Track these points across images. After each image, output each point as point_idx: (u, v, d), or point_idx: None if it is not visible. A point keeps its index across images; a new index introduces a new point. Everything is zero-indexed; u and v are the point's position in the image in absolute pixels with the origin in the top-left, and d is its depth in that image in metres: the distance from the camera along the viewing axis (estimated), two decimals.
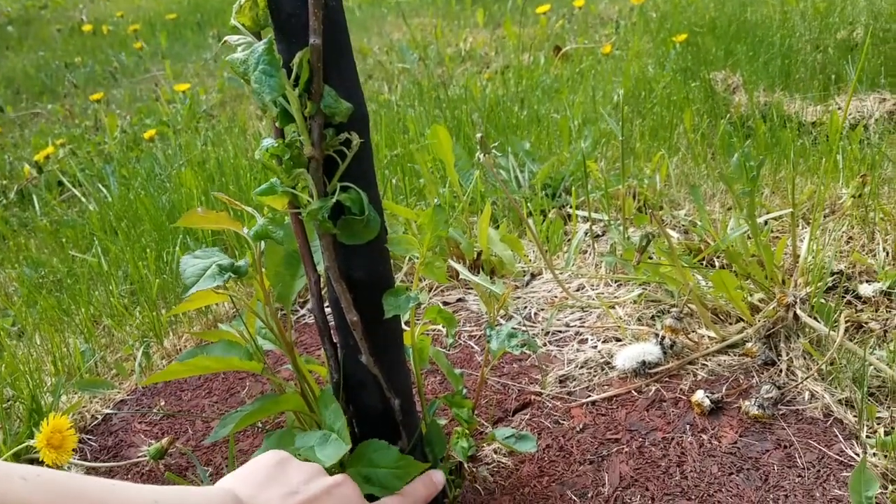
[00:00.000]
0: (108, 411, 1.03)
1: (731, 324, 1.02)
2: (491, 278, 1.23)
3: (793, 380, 0.89)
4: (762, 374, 0.92)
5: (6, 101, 3.27)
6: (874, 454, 0.76)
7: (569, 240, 1.31)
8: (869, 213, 1.17)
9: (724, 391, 0.89)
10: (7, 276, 1.54)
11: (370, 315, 0.64)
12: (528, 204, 1.40)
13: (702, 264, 1.14)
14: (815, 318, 0.94)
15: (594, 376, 0.96)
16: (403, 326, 0.71)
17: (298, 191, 0.60)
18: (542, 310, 1.13)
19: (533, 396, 0.94)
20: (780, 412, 0.85)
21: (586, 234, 1.28)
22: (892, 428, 0.79)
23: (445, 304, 1.20)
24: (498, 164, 1.52)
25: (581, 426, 0.87)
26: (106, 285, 1.35)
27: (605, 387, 0.94)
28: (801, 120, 1.68)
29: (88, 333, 1.20)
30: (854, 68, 1.85)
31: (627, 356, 0.96)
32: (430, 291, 1.23)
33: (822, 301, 0.98)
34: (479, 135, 0.93)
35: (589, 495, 0.76)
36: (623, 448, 0.83)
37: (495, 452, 0.84)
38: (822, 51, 2.09)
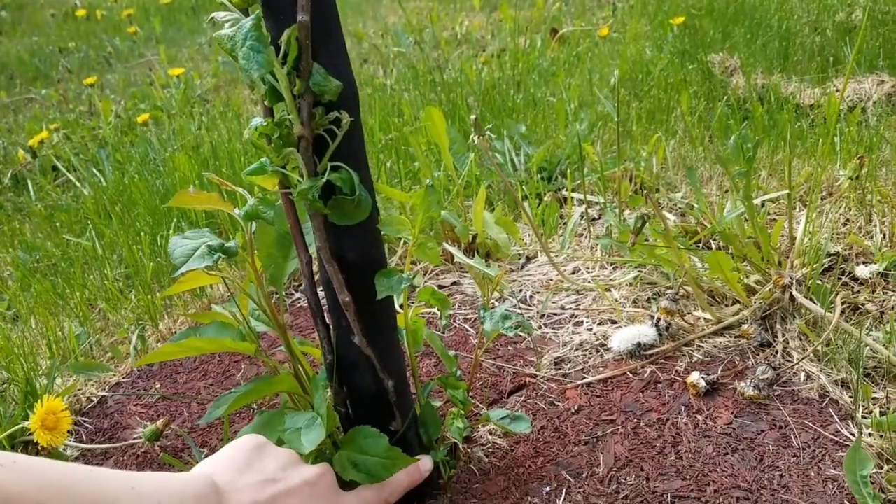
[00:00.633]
0: (103, 394, 1.02)
1: (726, 306, 1.02)
2: (486, 262, 1.22)
3: (788, 361, 0.89)
4: (758, 355, 0.92)
5: (0, 87, 3.25)
6: (869, 434, 0.76)
7: (564, 223, 1.31)
8: (866, 195, 1.17)
9: (719, 372, 0.89)
10: (2, 261, 1.54)
11: (363, 296, 0.64)
12: (524, 187, 1.39)
13: (698, 246, 1.13)
14: (811, 300, 0.94)
15: (589, 358, 0.96)
16: (397, 309, 0.71)
17: (289, 171, 0.59)
18: (538, 293, 1.13)
19: (528, 379, 0.94)
20: (776, 393, 0.85)
21: (582, 217, 1.27)
22: (888, 408, 0.79)
23: (440, 287, 1.19)
24: (493, 147, 1.52)
25: (576, 407, 0.87)
26: (101, 269, 1.35)
27: (601, 369, 0.94)
28: (798, 102, 1.67)
29: (83, 317, 1.20)
30: (852, 50, 1.84)
31: (623, 338, 0.95)
32: (424, 275, 1.23)
33: (819, 283, 0.98)
34: (473, 116, 0.93)
35: (584, 475, 0.77)
36: (618, 429, 0.83)
37: (490, 434, 0.84)
38: (821, 33, 2.08)
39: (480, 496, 0.75)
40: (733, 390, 0.86)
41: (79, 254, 1.42)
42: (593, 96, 1.78)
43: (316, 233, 0.61)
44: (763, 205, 1.21)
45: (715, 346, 0.94)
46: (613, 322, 1.03)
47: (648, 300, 1.06)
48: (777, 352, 0.91)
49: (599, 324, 1.03)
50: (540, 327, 1.04)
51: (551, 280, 1.16)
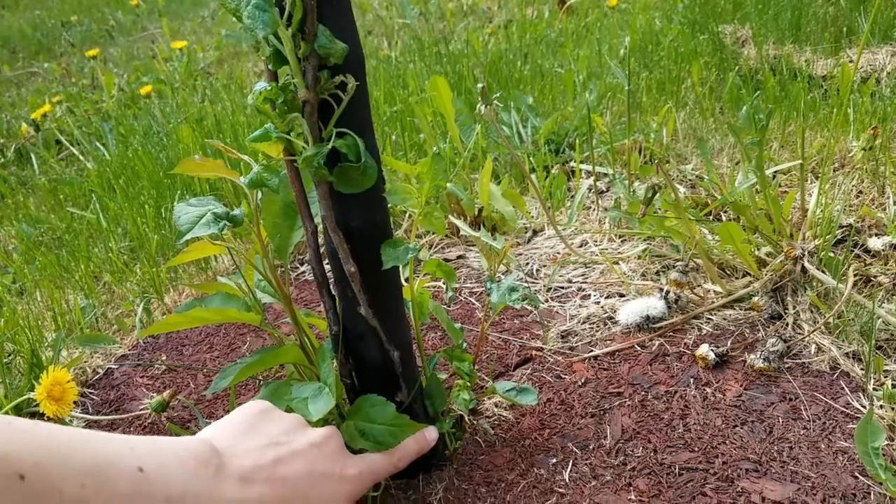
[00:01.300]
0: (109, 366, 1.02)
1: (737, 278, 1.00)
2: (492, 235, 1.21)
3: (799, 333, 0.88)
4: (768, 327, 0.91)
5: (2, 61, 3.23)
6: (881, 406, 0.76)
7: (572, 196, 1.29)
8: (879, 167, 1.15)
9: (729, 345, 0.88)
10: (6, 234, 1.54)
11: (368, 266, 0.63)
12: (531, 159, 1.38)
13: (708, 218, 1.12)
14: (822, 272, 0.93)
15: (597, 331, 0.95)
16: (402, 281, 0.70)
17: (293, 137, 0.58)
18: (545, 266, 1.12)
19: (534, 352, 0.93)
20: (786, 365, 0.84)
21: (590, 189, 1.25)
22: None
23: (446, 260, 1.18)
24: (500, 119, 1.49)
25: (583, 380, 0.86)
26: (105, 242, 1.34)
27: (608, 342, 0.93)
28: (811, 73, 1.64)
29: (88, 290, 1.20)
30: (866, 20, 1.80)
31: (631, 311, 0.94)
32: (430, 248, 1.22)
33: (831, 254, 0.96)
34: (480, 85, 0.91)
35: (590, 447, 0.76)
36: (625, 401, 0.82)
37: (496, 406, 0.83)
38: (834, 3, 2.03)
39: (486, 467, 0.75)
40: (743, 363, 0.85)
41: (83, 227, 1.41)
42: (602, 67, 1.75)
43: (321, 201, 0.60)
44: (775, 176, 1.19)
45: (724, 319, 0.93)
46: (621, 295, 1.02)
47: (657, 273, 1.05)
48: (787, 324, 0.90)
49: (607, 297, 1.02)
50: (547, 300, 1.03)
51: (558, 253, 1.14)
